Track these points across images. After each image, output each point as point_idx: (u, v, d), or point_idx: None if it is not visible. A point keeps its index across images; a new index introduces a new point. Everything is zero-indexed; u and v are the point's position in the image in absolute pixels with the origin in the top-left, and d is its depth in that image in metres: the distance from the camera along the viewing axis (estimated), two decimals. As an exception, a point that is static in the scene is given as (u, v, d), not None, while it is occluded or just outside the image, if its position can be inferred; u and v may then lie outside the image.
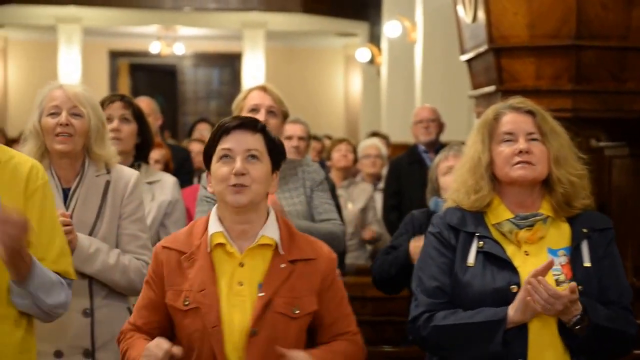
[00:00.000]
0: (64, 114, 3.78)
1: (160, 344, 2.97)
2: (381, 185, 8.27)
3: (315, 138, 9.45)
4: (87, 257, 3.69)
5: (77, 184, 3.82)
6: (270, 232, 3.09)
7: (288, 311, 3.01)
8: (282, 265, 3.06)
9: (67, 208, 3.76)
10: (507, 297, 3.02)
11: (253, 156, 3.07)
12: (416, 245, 4.42)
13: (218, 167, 3.08)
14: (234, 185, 3.03)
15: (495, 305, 3.02)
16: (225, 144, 3.09)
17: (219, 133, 3.12)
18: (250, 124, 3.13)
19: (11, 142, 9.26)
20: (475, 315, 3.02)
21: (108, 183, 3.85)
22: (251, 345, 2.97)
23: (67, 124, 3.77)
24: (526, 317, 2.98)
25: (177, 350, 2.96)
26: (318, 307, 3.07)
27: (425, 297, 3.12)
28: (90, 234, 3.76)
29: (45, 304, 2.98)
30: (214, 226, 3.10)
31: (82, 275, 3.67)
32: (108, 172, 3.88)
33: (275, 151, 3.16)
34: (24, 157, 3.15)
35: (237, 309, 3.01)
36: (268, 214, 3.14)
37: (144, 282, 3.18)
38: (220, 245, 3.07)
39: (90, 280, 3.76)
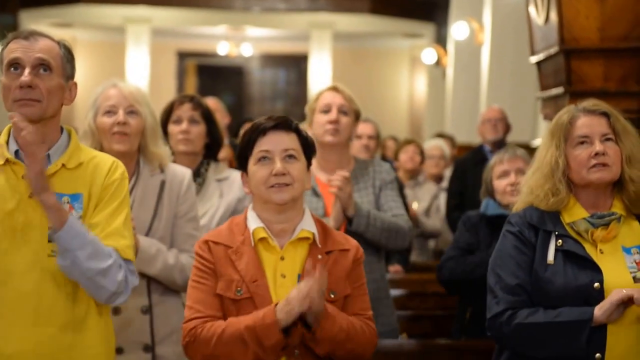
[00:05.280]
0: (121, 113, 3.78)
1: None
2: (443, 185, 8.32)
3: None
4: (149, 258, 3.71)
5: (133, 184, 3.80)
6: (308, 226, 3.19)
7: (326, 295, 3.08)
8: (320, 257, 3.14)
9: None
10: (589, 295, 3.08)
11: (290, 156, 3.15)
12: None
13: (257, 170, 3.15)
14: (276, 185, 3.11)
15: (576, 302, 3.08)
16: (262, 145, 3.16)
17: (255, 134, 3.18)
18: (285, 124, 3.20)
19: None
20: (559, 314, 3.06)
21: (163, 183, 3.85)
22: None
23: (124, 123, 3.76)
24: (612, 319, 3.02)
25: None
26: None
27: (505, 294, 3.17)
28: (147, 234, 3.77)
29: (84, 265, 2.91)
30: (255, 222, 3.17)
31: (141, 275, 3.67)
32: (162, 171, 3.87)
33: (308, 149, 3.24)
34: (106, 156, 3.19)
35: None
36: (304, 210, 3.23)
37: (190, 282, 3.19)
38: (262, 240, 3.15)
39: (149, 279, 3.79)
